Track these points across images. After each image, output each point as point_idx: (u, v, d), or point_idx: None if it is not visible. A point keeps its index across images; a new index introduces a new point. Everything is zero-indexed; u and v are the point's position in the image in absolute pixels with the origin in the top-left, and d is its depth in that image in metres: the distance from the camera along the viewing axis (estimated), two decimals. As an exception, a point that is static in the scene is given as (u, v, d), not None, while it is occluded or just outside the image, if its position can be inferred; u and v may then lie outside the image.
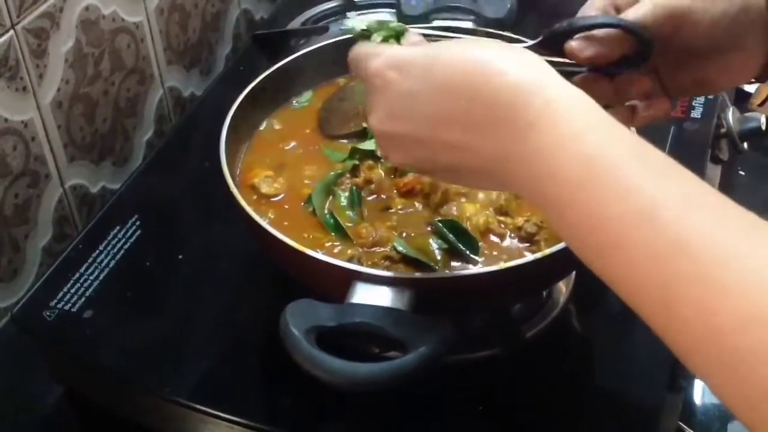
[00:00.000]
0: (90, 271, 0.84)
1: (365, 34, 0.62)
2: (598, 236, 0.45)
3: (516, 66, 0.50)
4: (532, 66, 0.50)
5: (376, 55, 0.57)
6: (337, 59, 0.89)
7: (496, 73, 0.50)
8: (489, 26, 1.02)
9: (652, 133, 0.53)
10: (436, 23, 1.08)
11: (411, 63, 0.55)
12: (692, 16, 0.61)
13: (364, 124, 0.82)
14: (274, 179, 0.79)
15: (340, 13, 1.24)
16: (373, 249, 0.71)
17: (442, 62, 0.53)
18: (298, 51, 0.90)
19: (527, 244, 0.72)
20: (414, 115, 0.54)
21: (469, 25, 1.08)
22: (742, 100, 1.20)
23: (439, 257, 0.71)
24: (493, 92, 0.50)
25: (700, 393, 0.96)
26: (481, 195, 0.76)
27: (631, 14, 0.61)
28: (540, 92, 0.48)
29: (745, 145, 1.04)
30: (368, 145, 0.80)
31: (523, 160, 0.48)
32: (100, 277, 0.84)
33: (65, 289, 0.82)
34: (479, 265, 0.70)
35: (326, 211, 0.75)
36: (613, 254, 0.44)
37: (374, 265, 0.69)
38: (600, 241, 0.45)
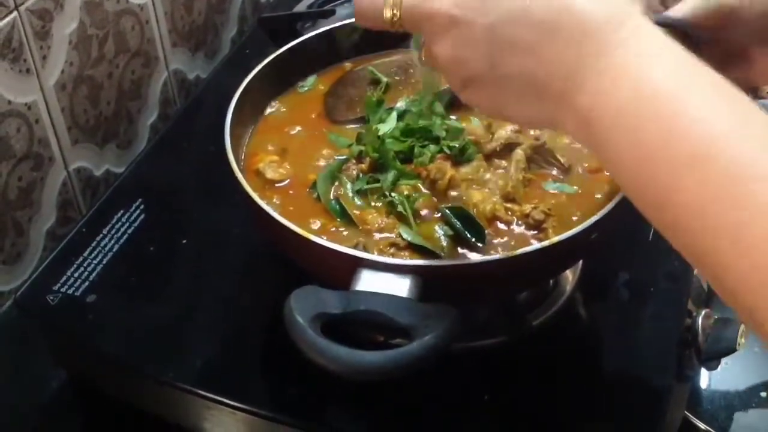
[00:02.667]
0: (93, 255, 0.84)
1: None
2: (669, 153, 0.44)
3: None
4: None
5: None
6: (344, 43, 0.88)
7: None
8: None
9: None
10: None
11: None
12: (740, 11, 0.60)
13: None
14: (279, 164, 0.79)
15: (346, -4, 1.23)
16: (379, 236, 0.71)
17: None
18: (304, 34, 0.90)
19: (534, 232, 0.71)
20: (493, 8, 0.50)
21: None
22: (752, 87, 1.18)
23: (444, 244, 0.70)
24: (585, 8, 0.48)
25: (706, 383, 0.95)
26: (488, 176, 0.75)
27: (678, 10, 0.60)
28: (632, 18, 0.47)
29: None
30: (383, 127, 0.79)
31: (599, 73, 0.47)
32: (104, 262, 0.84)
33: (68, 273, 0.82)
34: (485, 253, 0.69)
35: (332, 197, 0.74)
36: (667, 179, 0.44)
37: (380, 252, 0.68)
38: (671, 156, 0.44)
